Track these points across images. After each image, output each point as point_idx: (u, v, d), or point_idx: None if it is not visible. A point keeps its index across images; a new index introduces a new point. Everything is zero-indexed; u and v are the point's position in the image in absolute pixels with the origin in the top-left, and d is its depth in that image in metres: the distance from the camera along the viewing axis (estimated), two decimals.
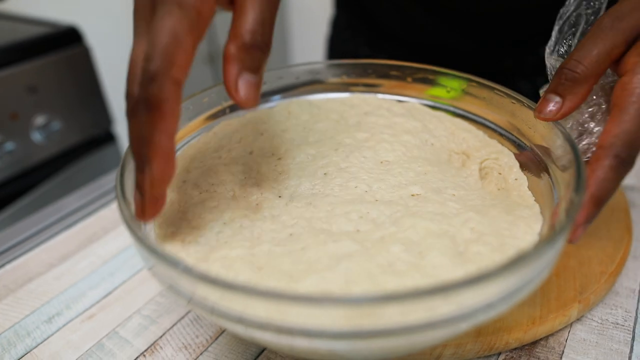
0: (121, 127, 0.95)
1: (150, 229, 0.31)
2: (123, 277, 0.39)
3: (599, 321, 0.33)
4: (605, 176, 0.27)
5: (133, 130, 0.22)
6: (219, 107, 0.39)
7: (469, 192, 0.32)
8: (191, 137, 0.37)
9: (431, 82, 0.40)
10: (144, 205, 0.24)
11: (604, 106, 0.31)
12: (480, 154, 0.35)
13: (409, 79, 0.41)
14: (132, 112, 0.22)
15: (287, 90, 0.42)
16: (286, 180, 0.33)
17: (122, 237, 0.43)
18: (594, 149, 0.31)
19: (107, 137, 0.91)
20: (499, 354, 0.31)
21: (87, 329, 0.34)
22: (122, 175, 0.28)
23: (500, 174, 0.34)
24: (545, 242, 0.21)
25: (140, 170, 0.23)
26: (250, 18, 0.22)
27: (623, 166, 0.27)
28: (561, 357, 0.31)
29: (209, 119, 0.38)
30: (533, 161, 0.33)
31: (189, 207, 0.30)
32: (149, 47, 0.21)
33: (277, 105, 0.41)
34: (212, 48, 1.54)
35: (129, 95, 0.22)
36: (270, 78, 0.41)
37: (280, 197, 0.31)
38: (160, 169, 0.22)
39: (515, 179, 0.33)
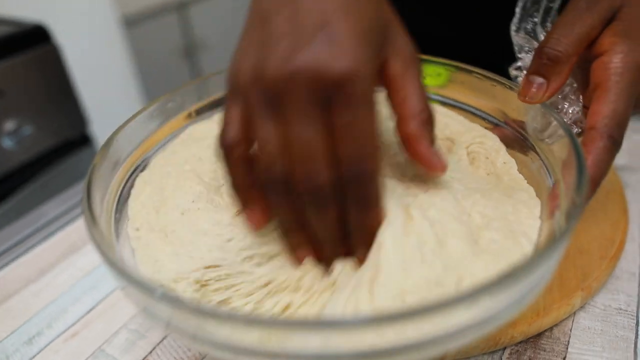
0: (97, 128, 0.91)
1: (125, 240, 0.29)
2: (106, 289, 0.37)
3: (602, 308, 0.32)
4: (600, 157, 0.27)
5: (332, 220, 0.23)
6: (185, 112, 0.37)
7: (465, 175, 0.31)
8: (157, 147, 0.35)
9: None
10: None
11: (575, 85, 0.31)
12: (465, 139, 0.34)
13: None
14: (330, 202, 0.22)
15: None
16: None
17: None
18: (569, 123, 0.31)
19: (83, 140, 0.88)
20: (504, 348, 0.30)
21: (71, 348, 0.32)
22: (89, 186, 0.26)
23: (487, 158, 0.33)
24: (551, 244, 0.20)
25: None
26: (415, 99, 0.24)
27: (615, 146, 0.27)
28: (567, 348, 0.30)
29: (177, 123, 0.36)
30: (516, 139, 0.32)
31: (173, 231, 0.28)
32: (355, 145, 0.21)
33: None
34: (187, 40, 1.50)
35: (316, 185, 0.22)
36: None
37: None
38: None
39: (504, 163, 0.32)
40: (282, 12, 0.21)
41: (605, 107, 0.27)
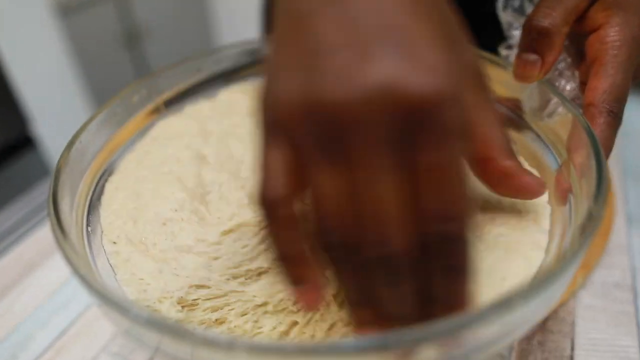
0: (42, 128, 0.83)
1: (99, 254, 0.26)
2: (79, 307, 0.33)
3: (600, 284, 0.32)
4: (603, 134, 0.26)
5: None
6: (152, 105, 0.33)
7: None
8: (124, 147, 0.31)
9: None
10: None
11: (569, 60, 0.30)
12: None
13: None
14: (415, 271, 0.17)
15: (228, 74, 0.37)
16: None
17: None
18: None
19: (25, 142, 0.79)
20: None
21: None
22: (55, 195, 0.23)
23: None
24: (563, 263, 0.18)
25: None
26: (495, 129, 0.22)
27: (617, 121, 0.26)
28: (573, 327, 0.30)
29: (142, 120, 0.33)
30: (511, 119, 0.31)
31: (155, 244, 0.26)
32: (447, 198, 0.16)
33: (218, 95, 0.36)
34: (128, 26, 1.40)
35: (391, 251, 0.17)
36: (207, 64, 0.36)
37: None
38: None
39: None
40: (327, 13, 0.16)
41: (603, 82, 0.26)
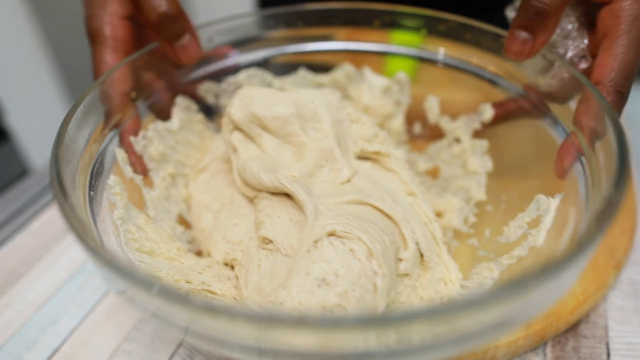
0: (15, 120, 0.76)
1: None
2: (71, 322, 0.30)
3: (629, 283, 0.31)
4: None
5: None
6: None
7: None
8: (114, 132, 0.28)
9: (392, 25, 0.36)
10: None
11: (575, 18, 0.29)
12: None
13: (377, 22, 0.36)
14: None
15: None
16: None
17: (55, 267, 0.33)
18: (575, 60, 0.29)
19: None
20: (545, 343, 0.28)
21: None
22: (57, 163, 0.21)
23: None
24: (577, 250, 0.17)
25: None
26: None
27: (623, 101, 0.26)
28: (607, 331, 0.28)
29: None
30: (532, 105, 0.30)
31: None
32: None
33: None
34: None
35: None
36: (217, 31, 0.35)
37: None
38: None
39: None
40: None
41: (612, 60, 0.25)
